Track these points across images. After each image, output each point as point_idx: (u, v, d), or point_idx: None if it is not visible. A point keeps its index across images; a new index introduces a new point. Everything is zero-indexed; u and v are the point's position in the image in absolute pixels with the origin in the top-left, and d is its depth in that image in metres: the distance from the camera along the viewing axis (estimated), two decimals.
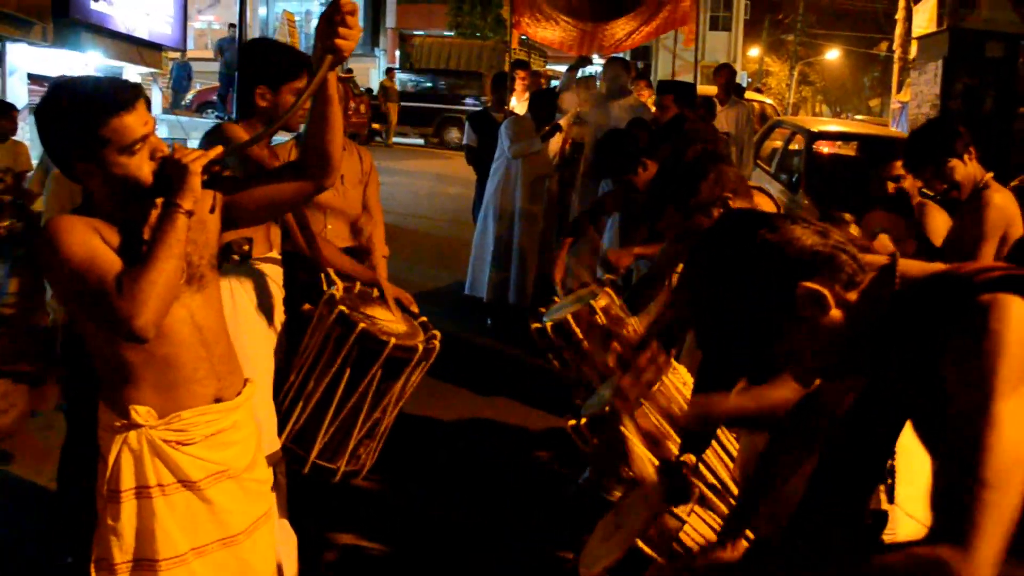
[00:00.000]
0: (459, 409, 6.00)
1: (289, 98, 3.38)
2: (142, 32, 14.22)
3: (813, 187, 8.87)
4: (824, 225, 1.59)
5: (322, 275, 3.54)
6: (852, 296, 1.55)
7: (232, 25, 16.38)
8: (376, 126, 21.22)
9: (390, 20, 32.47)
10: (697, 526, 2.40)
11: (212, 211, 2.48)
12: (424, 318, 3.66)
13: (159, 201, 2.32)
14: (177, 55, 19.45)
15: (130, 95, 2.28)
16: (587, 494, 4.89)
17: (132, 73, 14.19)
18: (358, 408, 3.31)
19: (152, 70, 15.52)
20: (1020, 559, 1.42)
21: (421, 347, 3.37)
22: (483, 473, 5.23)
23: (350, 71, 20.84)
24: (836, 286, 1.53)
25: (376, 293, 3.64)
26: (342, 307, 3.29)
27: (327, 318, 3.31)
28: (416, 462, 5.07)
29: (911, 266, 1.58)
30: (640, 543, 2.29)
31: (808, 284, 1.52)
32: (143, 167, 2.30)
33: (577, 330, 4.19)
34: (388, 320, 3.49)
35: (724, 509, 2.48)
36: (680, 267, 4.25)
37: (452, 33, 29.71)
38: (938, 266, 1.60)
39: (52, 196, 3.97)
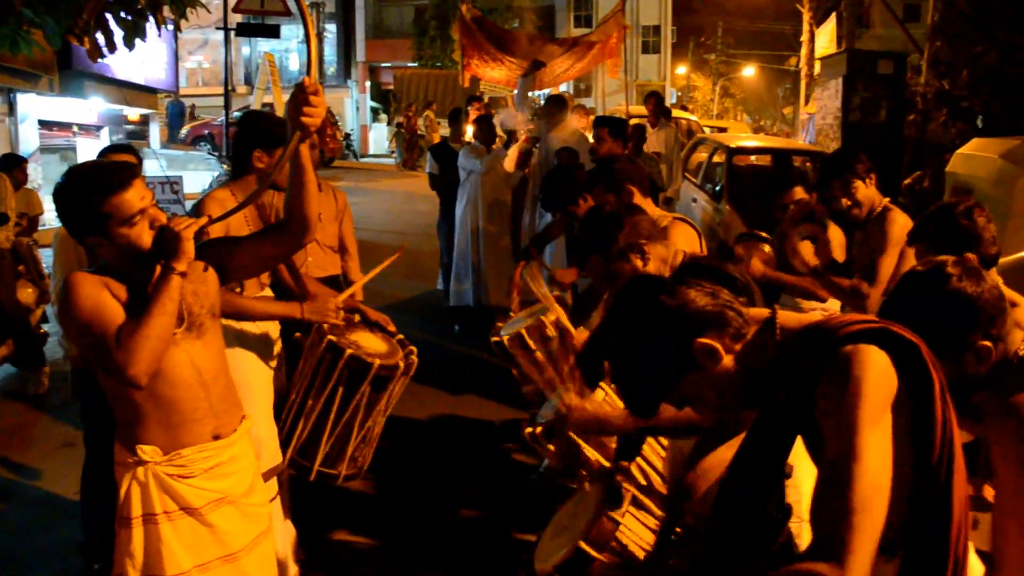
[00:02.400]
0: (433, 408, 6.03)
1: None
2: (139, 78, 14.11)
3: (734, 197, 8.96)
4: (713, 286, 1.65)
5: None
6: (739, 347, 1.61)
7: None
8: None
9: (360, 54, 32.25)
10: (632, 526, 2.43)
11: (206, 269, 2.52)
12: (401, 336, 3.68)
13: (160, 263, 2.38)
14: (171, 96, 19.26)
15: (126, 176, 2.34)
16: (549, 482, 4.94)
17: (132, 113, 14.06)
18: (352, 420, 3.38)
19: (150, 111, 15.36)
20: (882, 553, 1.49)
21: (402, 364, 3.45)
22: (457, 466, 5.25)
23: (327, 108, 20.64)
24: (726, 339, 1.60)
25: (358, 318, 3.65)
26: (331, 336, 3.33)
27: (318, 346, 3.35)
28: (397, 459, 5.08)
29: (788, 318, 1.64)
30: (583, 543, 2.32)
31: (702, 340, 1.58)
32: (143, 235, 2.35)
33: (530, 342, 4.23)
34: (370, 343, 3.51)
35: (656, 510, 2.51)
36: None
37: (416, 64, 29.56)
38: (811, 317, 1.66)
39: (59, 255, 3.95)
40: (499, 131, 8.33)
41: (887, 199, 3.81)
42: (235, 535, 2.58)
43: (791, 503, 2.18)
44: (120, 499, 2.45)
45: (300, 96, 2.26)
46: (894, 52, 13.79)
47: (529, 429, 3.34)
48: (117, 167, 2.39)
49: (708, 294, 1.62)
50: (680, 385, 1.63)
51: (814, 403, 1.52)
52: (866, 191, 3.72)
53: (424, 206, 14.54)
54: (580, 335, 4.29)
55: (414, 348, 3.58)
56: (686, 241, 3.28)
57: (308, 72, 2.28)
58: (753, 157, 11.07)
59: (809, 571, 1.37)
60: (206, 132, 21.53)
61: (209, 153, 17.52)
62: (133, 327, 2.27)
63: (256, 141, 3.47)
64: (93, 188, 2.30)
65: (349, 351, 3.30)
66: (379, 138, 30.82)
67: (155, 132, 17.77)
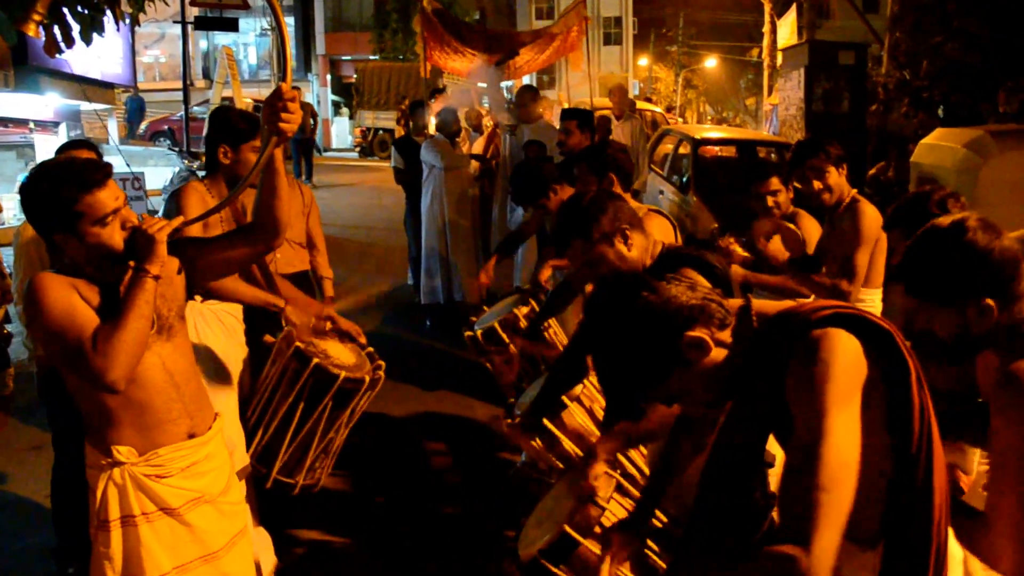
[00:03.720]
0: (407, 405, 6.00)
1: (248, 155, 3.52)
2: (95, 73, 13.85)
3: (701, 187, 9.03)
4: (692, 279, 1.67)
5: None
6: (725, 336, 1.63)
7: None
8: None
9: (320, 47, 32.00)
10: (616, 512, 2.45)
11: (180, 272, 2.50)
12: (371, 348, 3.63)
13: (131, 264, 2.34)
14: (129, 91, 18.96)
15: (100, 174, 2.30)
16: (526, 476, 4.95)
17: (88, 109, 13.83)
18: (313, 431, 3.30)
19: (107, 106, 15.11)
20: (862, 544, 1.52)
21: (368, 378, 3.36)
22: (433, 462, 5.25)
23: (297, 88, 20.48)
24: (711, 330, 1.62)
25: (329, 326, 3.62)
26: (299, 343, 3.28)
27: (285, 352, 3.29)
28: (371, 456, 5.06)
29: (765, 305, 1.67)
30: (568, 528, 2.33)
31: (690, 333, 1.59)
32: (115, 236, 2.31)
33: (504, 335, 4.23)
34: (339, 353, 3.46)
35: (637, 494, 2.53)
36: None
37: (376, 57, 29.37)
38: (786, 304, 1.69)
39: (20, 255, 3.86)
40: (464, 123, 8.31)
41: (855, 190, 3.86)
42: (214, 534, 2.56)
43: (774, 492, 2.22)
44: (96, 502, 2.41)
45: (278, 103, 2.26)
46: (856, 43, 13.95)
47: (508, 421, 3.35)
48: (91, 164, 2.33)
49: (689, 287, 1.64)
50: (669, 381, 1.63)
51: (784, 392, 1.54)
52: (837, 178, 3.76)
53: (389, 200, 14.48)
54: (556, 327, 4.33)
55: (383, 363, 3.52)
56: (662, 233, 3.29)
57: (284, 78, 2.28)
58: (718, 148, 11.15)
59: (779, 554, 1.39)
60: (165, 127, 21.23)
61: (169, 148, 17.27)
62: (109, 332, 2.23)
63: (220, 137, 3.53)
64: (66, 185, 2.25)
65: (316, 360, 3.24)
66: (341, 132, 30.63)
67: (114, 128, 17.49)
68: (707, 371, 1.62)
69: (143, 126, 21.62)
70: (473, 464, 5.24)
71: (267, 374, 3.35)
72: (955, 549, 1.78)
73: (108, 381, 2.22)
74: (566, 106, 8.32)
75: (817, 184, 3.76)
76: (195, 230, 2.91)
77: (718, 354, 1.62)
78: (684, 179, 9.54)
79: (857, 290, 3.71)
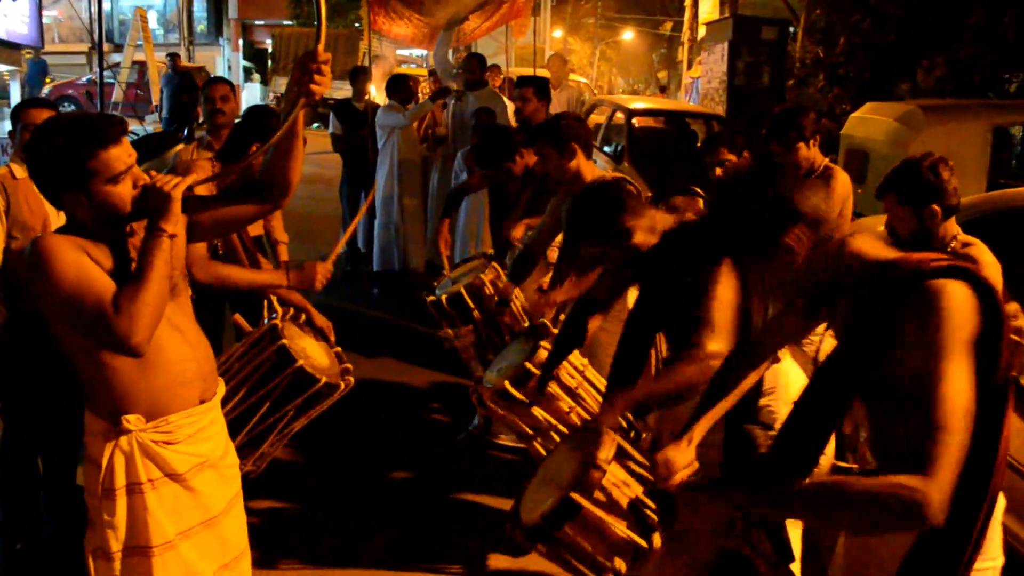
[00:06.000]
0: (361, 373, 5.93)
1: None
2: (0, 33, 13.14)
3: (635, 157, 9.16)
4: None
5: (265, 301, 3.46)
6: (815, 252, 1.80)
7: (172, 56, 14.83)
8: None
9: (232, 11, 30.98)
10: (618, 474, 2.49)
11: (189, 228, 2.45)
12: (339, 348, 3.57)
13: (136, 225, 2.28)
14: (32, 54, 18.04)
15: (116, 130, 2.21)
16: (477, 440, 4.98)
17: None
18: (273, 426, 3.22)
19: (12, 67, 14.38)
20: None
21: (342, 384, 3.31)
22: (381, 429, 5.23)
23: (203, 67, 19.90)
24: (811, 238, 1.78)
25: (304, 318, 3.53)
26: (285, 341, 3.19)
27: (267, 347, 3.20)
28: (325, 429, 5.00)
29: (867, 245, 1.79)
30: (573, 494, 2.36)
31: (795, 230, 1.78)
32: (126, 195, 2.23)
33: (470, 301, 4.23)
34: (317, 354, 3.38)
35: (639, 457, 2.58)
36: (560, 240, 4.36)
37: (292, 22, 28.65)
38: (890, 251, 1.79)
39: None
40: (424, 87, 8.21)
41: (827, 158, 3.99)
42: (214, 498, 2.53)
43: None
44: (101, 471, 2.33)
45: (311, 64, 2.21)
46: (778, 19, 14.29)
47: (480, 390, 3.37)
48: (106, 120, 2.23)
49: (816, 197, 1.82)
50: (781, 240, 1.79)
51: (889, 332, 1.63)
52: (807, 152, 3.89)
53: (309, 169, 14.12)
54: (520, 294, 4.35)
55: (350, 366, 3.46)
56: None
57: (318, 40, 2.23)
58: (652, 120, 11.31)
59: (898, 483, 1.47)
60: (70, 92, 20.29)
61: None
62: (131, 293, 2.15)
63: (255, 136, 3.39)
64: (81, 140, 2.15)
65: (300, 363, 3.15)
66: (252, 99, 29.78)
67: (16, 91, 16.65)
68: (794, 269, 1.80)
69: (45, 91, 20.58)
70: (424, 434, 5.24)
71: (240, 359, 3.22)
72: (1000, 496, 1.93)
73: (132, 344, 2.14)
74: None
75: (794, 153, 3.88)
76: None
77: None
78: (618, 148, 9.66)
79: None
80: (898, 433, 1.57)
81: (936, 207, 2.71)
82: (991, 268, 2.67)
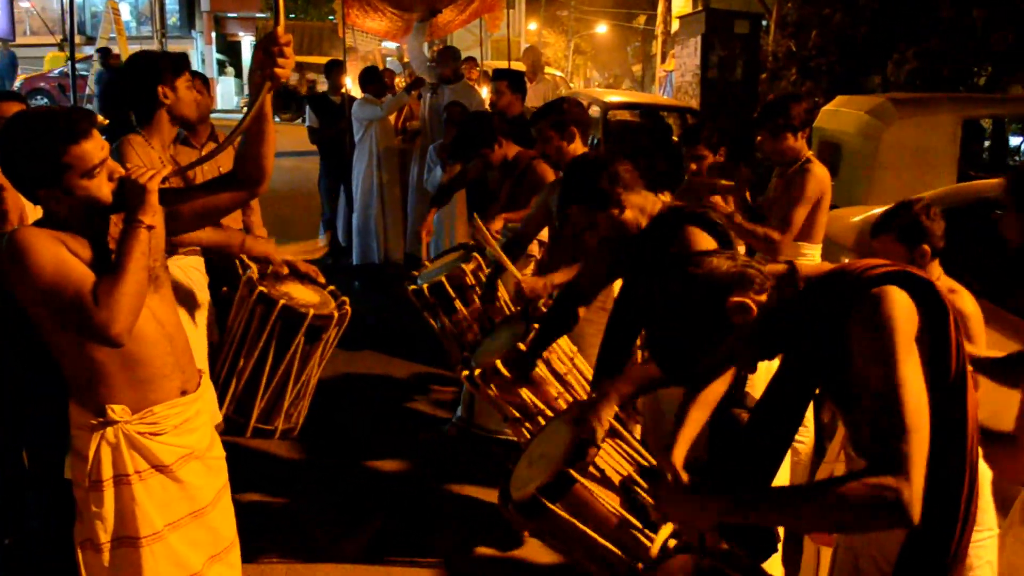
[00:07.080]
0: (332, 366, 5.94)
1: (184, 91, 3.41)
2: None
3: (610, 149, 9.20)
4: (730, 250, 1.84)
5: (236, 260, 3.48)
6: (763, 299, 1.78)
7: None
8: None
9: (205, 3, 30.62)
10: (610, 451, 2.53)
11: (168, 219, 2.44)
12: (332, 287, 3.63)
13: (114, 217, 2.29)
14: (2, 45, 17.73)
15: (86, 124, 2.20)
16: (461, 431, 5.00)
17: None
18: (288, 373, 3.32)
19: None
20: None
21: (336, 313, 3.40)
22: (365, 422, 5.24)
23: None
24: (751, 294, 1.77)
25: (286, 270, 3.57)
26: (262, 287, 3.26)
27: (248, 299, 3.27)
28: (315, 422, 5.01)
29: (807, 268, 1.83)
30: (569, 469, 2.39)
31: (734, 299, 1.75)
32: (102, 188, 2.24)
33: (450, 290, 4.26)
34: (302, 294, 3.46)
35: (628, 436, 2.62)
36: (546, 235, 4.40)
37: (266, 15, 28.39)
38: (827, 265, 1.86)
39: None
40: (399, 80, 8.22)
41: (811, 152, 4.05)
42: (202, 489, 2.55)
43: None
44: (88, 463, 2.35)
45: (273, 47, 2.21)
46: (751, 12, 14.35)
47: (467, 372, 3.40)
48: (75, 114, 2.23)
49: (728, 257, 1.80)
50: (720, 346, 1.78)
51: (842, 343, 1.69)
52: (793, 142, 3.96)
53: (287, 162, 14.08)
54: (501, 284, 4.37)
55: (346, 298, 3.55)
56: None
57: (277, 23, 2.23)
58: (628, 113, 11.35)
59: (874, 483, 1.53)
60: (42, 85, 19.98)
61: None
62: (110, 285, 2.16)
63: (152, 80, 3.35)
64: (51, 136, 2.14)
65: (282, 301, 3.24)
66: (227, 92, 29.52)
67: None
68: (749, 332, 1.77)
69: (16, 84, 20.27)
70: (404, 421, 5.27)
71: (233, 324, 3.31)
72: (984, 468, 1.99)
73: (112, 335, 2.15)
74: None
75: (780, 141, 3.95)
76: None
77: (756, 315, 1.77)
78: (594, 141, 9.69)
79: (788, 241, 3.93)
80: (866, 433, 1.63)
81: (927, 247, 2.89)
82: (973, 319, 2.81)
